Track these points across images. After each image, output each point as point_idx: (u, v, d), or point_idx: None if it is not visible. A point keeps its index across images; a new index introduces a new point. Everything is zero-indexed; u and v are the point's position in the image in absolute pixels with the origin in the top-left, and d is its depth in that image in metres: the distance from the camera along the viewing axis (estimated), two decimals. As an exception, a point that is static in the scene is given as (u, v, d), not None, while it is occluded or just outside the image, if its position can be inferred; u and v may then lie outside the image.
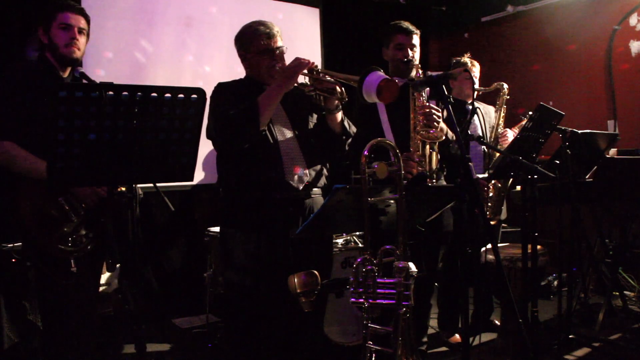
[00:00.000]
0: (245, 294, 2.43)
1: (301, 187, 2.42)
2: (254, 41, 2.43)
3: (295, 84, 2.35)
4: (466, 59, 3.61)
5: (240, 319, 2.47)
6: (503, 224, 3.79)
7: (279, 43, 2.45)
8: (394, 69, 2.93)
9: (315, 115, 2.56)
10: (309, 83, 2.37)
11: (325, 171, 2.56)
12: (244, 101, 2.32)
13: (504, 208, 3.54)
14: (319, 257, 2.48)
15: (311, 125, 2.54)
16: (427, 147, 2.72)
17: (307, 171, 2.44)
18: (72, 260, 2.13)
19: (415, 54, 2.88)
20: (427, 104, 2.68)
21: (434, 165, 2.74)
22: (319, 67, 2.37)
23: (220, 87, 2.49)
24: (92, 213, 2.21)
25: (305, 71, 2.31)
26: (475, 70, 3.61)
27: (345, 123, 2.50)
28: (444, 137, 2.76)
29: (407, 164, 2.62)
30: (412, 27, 2.87)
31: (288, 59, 2.41)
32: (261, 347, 2.45)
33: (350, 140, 2.54)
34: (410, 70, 2.88)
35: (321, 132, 2.51)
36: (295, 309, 2.07)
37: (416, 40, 2.89)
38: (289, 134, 2.45)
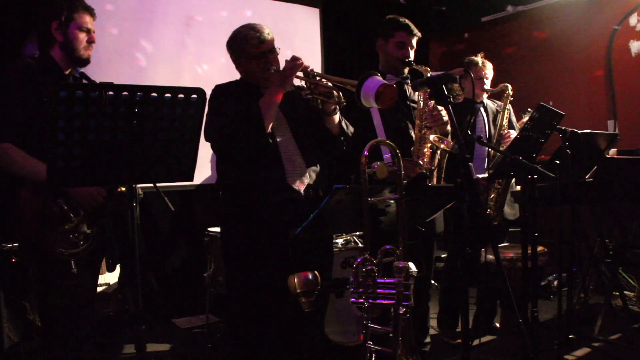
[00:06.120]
0: (245, 295, 2.43)
1: (302, 189, 2.42)
2: (246, 47, 2.42)
3: (293, 87, 2.34)
4: (479, 58, 3.61)
5: (240, 319, 2.47)
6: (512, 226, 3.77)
7: (272, 45, 2.44)
8: (387, 65, 2.93)
9: (312, 117, 2.55)
10: (306, 86, 2.37)
11: (319, 170, 2.56)
12: (243, 104, 2.32)
13: (509, 209, 3.53)
14: (319, 257, 2.48)
15: (308, 126, 2.54)
16: (428, 146, 2.73)
17: (307, 173, 2.45)
18: (72, 261, 2.13)
19: (412, 56, 2.89)
20: (431, 106, 2.70)
21: (434, 165, 2.75)
22: (315, 70, 2.35)
23: (219, 90, 2.48)
24: (92, 215, 2.21)
25: (301, 74, 2.31)
26: (487, 70, 3.61)
27: (343, 124, 2.51)
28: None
29: (409, 166, 2.64)
30: (415, 29, 2.88)
31: (287, 58, 2.40)
32: (261, 347, 2.45)
33: (347, 140, 2.55)
34: (404, 69, 2.89)
35: (319, 133, 2.51)
36: (295, 309, 2.07)
37: (415, 42, 2.90)
38: (287, 135, 2.46)
